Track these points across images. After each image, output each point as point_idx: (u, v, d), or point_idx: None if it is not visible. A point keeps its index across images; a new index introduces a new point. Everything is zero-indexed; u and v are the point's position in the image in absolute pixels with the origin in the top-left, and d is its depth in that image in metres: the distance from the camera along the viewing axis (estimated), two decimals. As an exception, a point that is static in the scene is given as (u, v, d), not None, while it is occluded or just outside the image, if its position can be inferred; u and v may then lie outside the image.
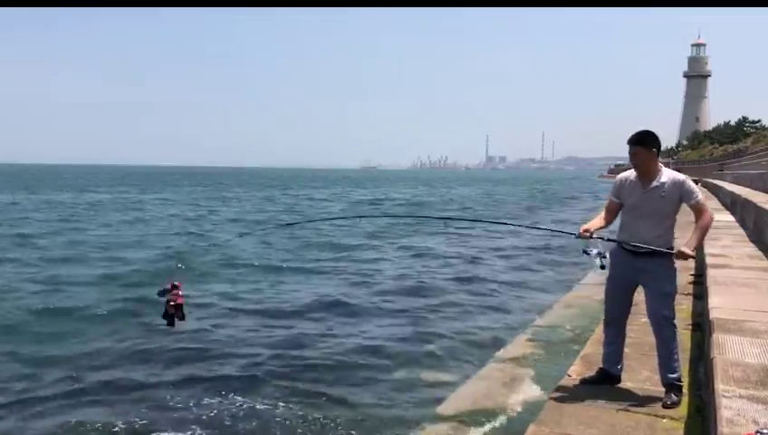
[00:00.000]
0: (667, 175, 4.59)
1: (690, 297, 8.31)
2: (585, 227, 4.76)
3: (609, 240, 4.79)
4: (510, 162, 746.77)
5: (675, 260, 4.64)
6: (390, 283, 15.58)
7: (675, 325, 4.75)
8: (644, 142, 4.57)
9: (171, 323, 6.47)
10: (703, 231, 4.63)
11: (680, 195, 4.55)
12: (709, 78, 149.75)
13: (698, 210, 4.58)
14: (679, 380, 4.69)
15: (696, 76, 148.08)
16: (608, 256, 4.80)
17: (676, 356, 4.68)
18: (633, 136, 4.62)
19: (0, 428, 6.77)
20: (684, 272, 9.38)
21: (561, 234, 5.68)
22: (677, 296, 8.01)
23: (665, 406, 4.55)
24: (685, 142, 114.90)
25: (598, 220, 4.86)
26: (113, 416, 6.94)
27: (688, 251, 4.55)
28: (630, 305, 4.97)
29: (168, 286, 6.49)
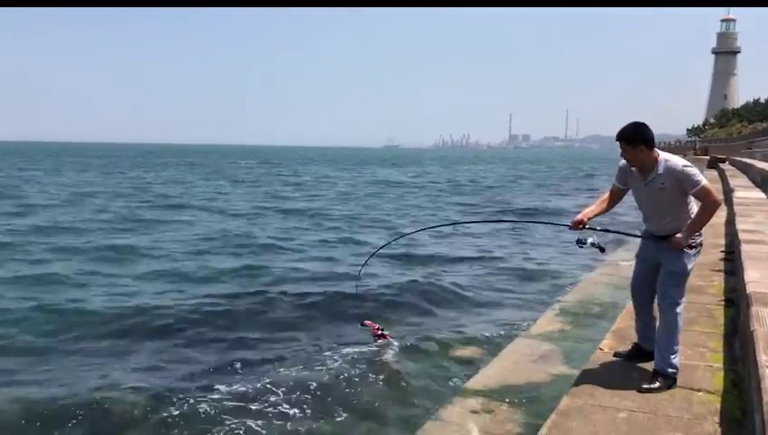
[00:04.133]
0: (663, 165, 4.32)
1: (722, 274, 8.21)
2: (579, 217, 4.58)
3: (602, 230, 4.68)
4: (533, 141, 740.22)
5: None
6: (419, 255, 15.69)
7: (678, 312, 4.47)
8: (627, 140, 4.36)
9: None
10: (702, 218, 4.33)
11: (679, 184, 4.29)
12: (738, 54, 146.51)
13: (701, 196, 4.28)
14: (666, 370, 4.47)
15: (725, 52, 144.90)
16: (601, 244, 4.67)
17: (673, 345, 4.47)
18: (617, 133, 4.41)
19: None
20: (714, 249, 9.28)
21: (555, 225, 5.57)
22: (709, 272, 8.06)
23: (639, 390, 4.41)
24: (712, 120, 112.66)
25: (596, 206, 4.69)
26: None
27: (680, 240, 4.32)
28: (654, 284, 4.72)
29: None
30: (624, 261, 10.76)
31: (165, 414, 6.60)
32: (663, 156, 4.37)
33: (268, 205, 31.06)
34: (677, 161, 4.36)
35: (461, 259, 15.77)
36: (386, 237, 18.83)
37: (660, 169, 4.33)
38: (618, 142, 4.42)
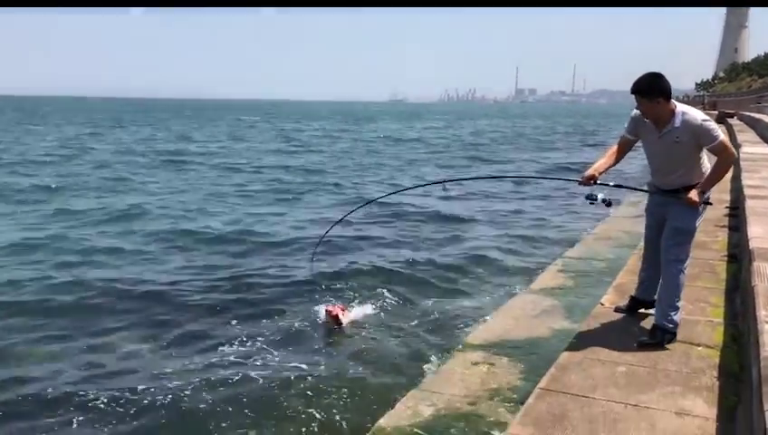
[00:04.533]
0: (680, 118, 4.19)
1: (726, 229, 8.20)
2: (590, 172, 4.44)
3: (616, 186, 4.57)
4: (540, 95, 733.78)
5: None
6: (421, 214, 15.67)
7: (681, 269, 4.45)
8: (643, 93, 4.20)
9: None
10: (718, 174, 4.26)
11: (696, 138, 4.19)
12: (751, 7, 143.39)
13: (718, 151, 4.20)
14: (666, 326, 4.48)
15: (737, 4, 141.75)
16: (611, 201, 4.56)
17: (672, 301, 4.45)
18: (633, 84, 4.23)
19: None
20: (719, 204, 9.23)
21: (566, 181, 5.40)
22: (713, 228, 8.04)
23: (639, 344, 4.44)
24: (722, 75, 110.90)
25: (605, 160, 4.53)
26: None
27: (694, 197, 4.24)
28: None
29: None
30: (627, 217, 10.71)
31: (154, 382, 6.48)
32: (680, 108, 4.24)
33: (270, 160, 31.01)
34: (696, 115, 4.23)
35: (461, 219, 15.71)
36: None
37: (677, 123, 4.20)
38: (633, 95, 4.26)
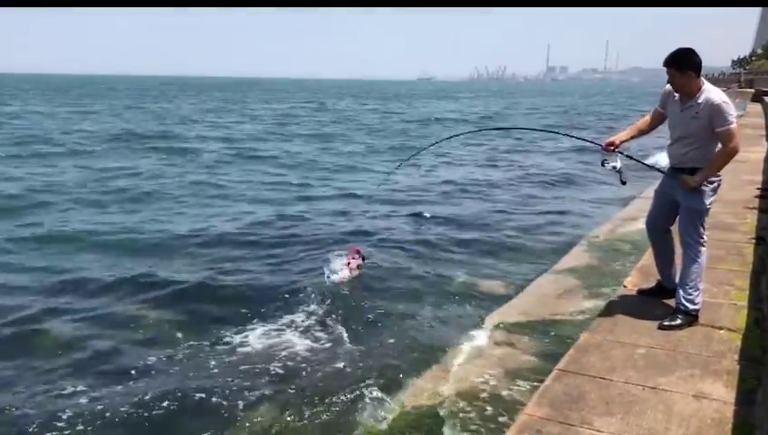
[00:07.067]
0: (705, 95, 4.27)
1: (755, 211, 8.06)
2: (611, 139, 4.61)
3: (630, 157, 4.64)
4: (571, 73, 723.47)
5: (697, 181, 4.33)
6: (443, 190, 15.65)
7: (698, 251, 4.45)
8: (676, 65, 4.29)
9: None
10: (718, 163, 4.28)
11: (710, 119, 4.23)
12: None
13: (724, 138, 4.24)
14: (687, 307, 4.47)
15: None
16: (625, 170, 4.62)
17: (692, 283, 4.44)
18: (666, 58, 4.34)
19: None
20: (750, 185, 9.07)
21: (590, 143, 5.40)
22: (742, 210, 7.91)
23: (660, 326, 4.43)
24: (760, 51, 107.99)
25: (630, 130, 4.72)
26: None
27: (689, 180, 4.31)
28: (670, 221, 4.76)
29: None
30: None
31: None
32: (707, 86, 4.34)
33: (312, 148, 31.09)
34: (717, 96, 4.30)
35: (485, 193, 15.65)
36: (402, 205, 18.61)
37: (700, 99, 4.30)
38: (665, 68, 4.37)
